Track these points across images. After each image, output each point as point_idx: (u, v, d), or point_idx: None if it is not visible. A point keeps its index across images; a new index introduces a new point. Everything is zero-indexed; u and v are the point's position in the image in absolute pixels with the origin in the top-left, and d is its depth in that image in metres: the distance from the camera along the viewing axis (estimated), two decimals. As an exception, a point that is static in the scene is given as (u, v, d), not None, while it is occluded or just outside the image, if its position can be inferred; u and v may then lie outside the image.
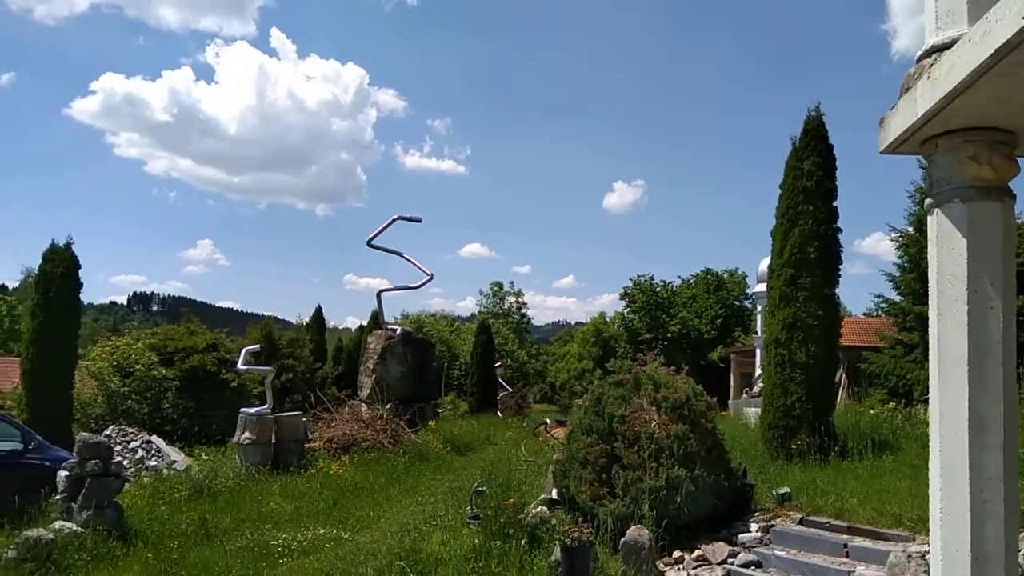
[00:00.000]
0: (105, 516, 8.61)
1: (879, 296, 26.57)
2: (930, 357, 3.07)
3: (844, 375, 26.29)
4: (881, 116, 3.38)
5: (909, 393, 20.86)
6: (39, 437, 11.28)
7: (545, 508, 8.89)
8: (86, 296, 18.21)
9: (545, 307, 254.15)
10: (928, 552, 6.44)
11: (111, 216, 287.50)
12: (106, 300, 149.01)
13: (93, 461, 8.76)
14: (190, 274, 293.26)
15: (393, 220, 20.86)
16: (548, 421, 22.75)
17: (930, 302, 3.07)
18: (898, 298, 24.45)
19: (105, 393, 20.26)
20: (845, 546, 7.51)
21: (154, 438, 16.37)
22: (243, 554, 8.29)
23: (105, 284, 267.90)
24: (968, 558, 2.77)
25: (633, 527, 7.67)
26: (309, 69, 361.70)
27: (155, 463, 14.63)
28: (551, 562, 7.22)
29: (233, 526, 9.55)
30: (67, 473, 8.84)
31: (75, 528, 8.31)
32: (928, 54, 2.97)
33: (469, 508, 9.41)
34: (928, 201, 3.12)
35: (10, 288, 72.23)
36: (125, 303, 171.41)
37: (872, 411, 14.35)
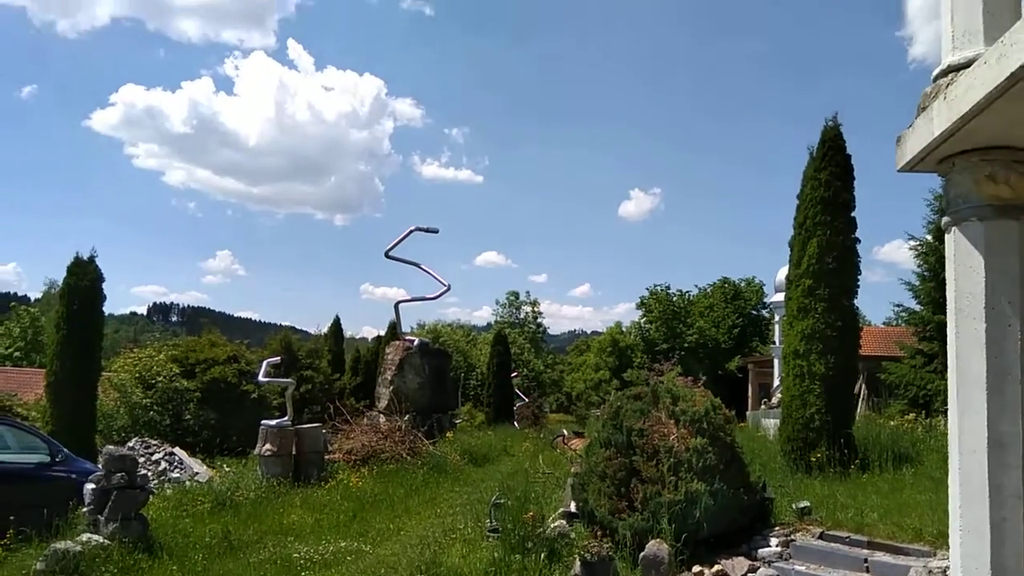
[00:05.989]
0: (131, 529, 8.70)
1: (898, 305, 26.40)
2: (948, 375, 3.09)
3: (864, 386, 26.04)
4: (898, 135, 3.41)
5: (929, 404, 20.66)
6: (65, 450, 11.42)
7: (564, 522, 8.91)
8: (107, 307, 18.40)
9: (561, 316, 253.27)
10: (948, 568, 6.40)
11: (131, 226, 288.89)
12: (127, 311, 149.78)
13: (119, 474, 8.86)
14: (209, 284, 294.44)
15: (411, 231, 21.02)
16: (565, 432, 22.77)
17: (948, 320, 3.09)
18: (918, 307, 24.25)
19: (127, 405, 20.46)
20: (865, 561, 7.47)
21: (176, 450, 16.54)
22: (265, 567, 8.35)
23: (126, 295, 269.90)
24: (989, 576, 2.78)
25: (652, 541, 7.68)
26: (327, 80, 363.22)
27: (177, 475, 14.78)
28: (571, 576, 7.24)
29: (256, 538, 9.63)
30: (94, 486, 8.95)
31: (102, 541, 8.40)
32: (944, 73, 3.00)
33: (488, 521, 9.45)
34: (945, 219, 3.15)
35: (32, 299, 73.18)
36: (145, 313, 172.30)
37: (892, 423, 14.27)
